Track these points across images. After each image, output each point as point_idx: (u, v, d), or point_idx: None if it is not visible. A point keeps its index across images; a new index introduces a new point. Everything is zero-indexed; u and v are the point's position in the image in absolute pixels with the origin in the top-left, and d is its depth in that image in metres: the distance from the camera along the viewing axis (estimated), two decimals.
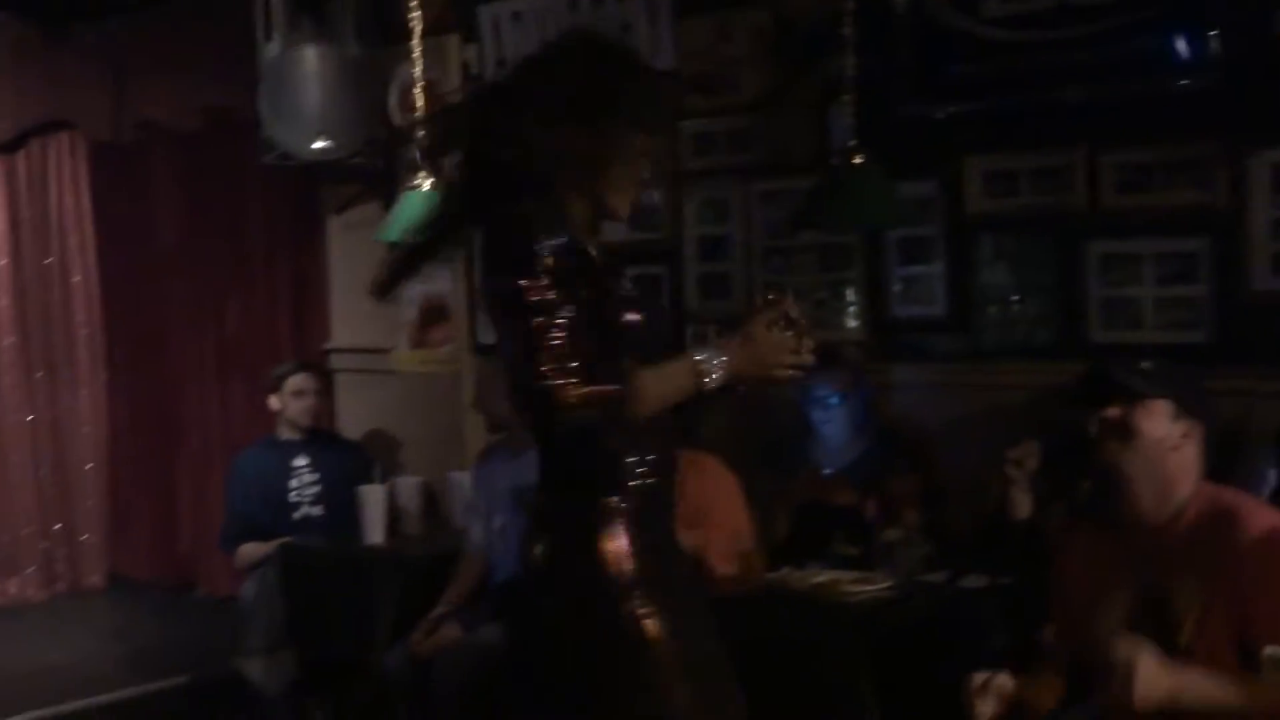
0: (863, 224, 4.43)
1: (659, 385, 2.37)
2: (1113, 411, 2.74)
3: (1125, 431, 2.73)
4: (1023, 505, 3.52)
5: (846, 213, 4.25)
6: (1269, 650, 2.37)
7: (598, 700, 2.42)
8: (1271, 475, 3.32)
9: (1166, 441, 2.73)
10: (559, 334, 2.26)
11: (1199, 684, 2.47)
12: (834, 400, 4.09)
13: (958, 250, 4.34)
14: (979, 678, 2.84)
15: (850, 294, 4.59)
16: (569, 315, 2.29)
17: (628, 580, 2.38)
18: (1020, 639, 3.27)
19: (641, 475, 2.44)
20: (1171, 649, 2.65)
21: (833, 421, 4.11)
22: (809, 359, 2.47)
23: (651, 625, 2.38)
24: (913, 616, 3.53)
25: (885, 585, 3.64)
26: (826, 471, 4.14)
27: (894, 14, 4.33)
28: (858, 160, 4.11)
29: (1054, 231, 4.15)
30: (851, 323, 4.58)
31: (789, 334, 2.46)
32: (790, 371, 2.46)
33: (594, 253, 2.45)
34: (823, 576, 3.75)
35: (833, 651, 3.42)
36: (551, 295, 2.28)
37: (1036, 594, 3.32)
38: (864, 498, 3.98)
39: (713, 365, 2.38)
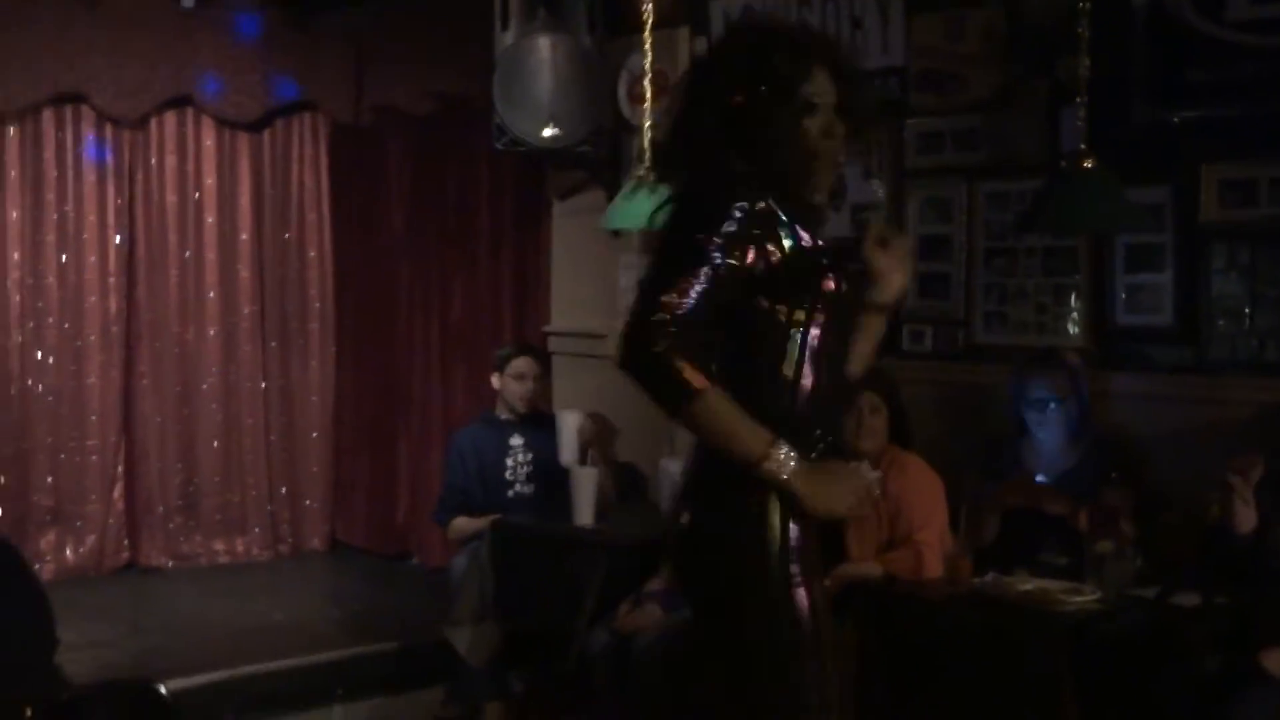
0: (1090, 229, 4.35)
1: (721, 422, 2.32)
2: None
3: None
4: (1245, 518, 3.43)
5: (1074, 217, 4.18)
6: None
7: (753, 665, 2.43)
8: None
9: None
10: (693, 291, 2.28)
11: None
12: (1052, 404, 4.04)
13: (1188, 259, 4.23)
14: None
15: (1074, 299, 4.50)
16: (710, 281, 2.30)
17: (789, 550, 2.39)
18: (1233, 661, 3.22)
19: (813, 447, 2.43)
20: None
21: (1048, 426, 4.06)
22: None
23: (803, 596, 2.39)
24: (1121, 632, 3.46)
25: (1094, 598, 3.60)
26: (1039, 478, 4.08)
27: (1132, 15, 4.24)
28: (1088, 164, 4.04)
29: None
30: (1074, 329, 4.49)
31: None
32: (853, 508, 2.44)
33: (786, 220, 2.45)
34: (1030, 584, 3.71)
35: (1035, 662, 3.40)
36: (719, 256, 2.32)
37: (1257, 614, 3.25)
38: (1076, 507, 3.90)
39: (781, 464, 2.31)
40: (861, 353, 2.65)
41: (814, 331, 2.42)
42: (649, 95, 4.86)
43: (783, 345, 2.43)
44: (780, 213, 2.42)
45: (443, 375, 6.87)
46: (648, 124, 4.90)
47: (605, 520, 5.03)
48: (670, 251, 2.42)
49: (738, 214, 2.36)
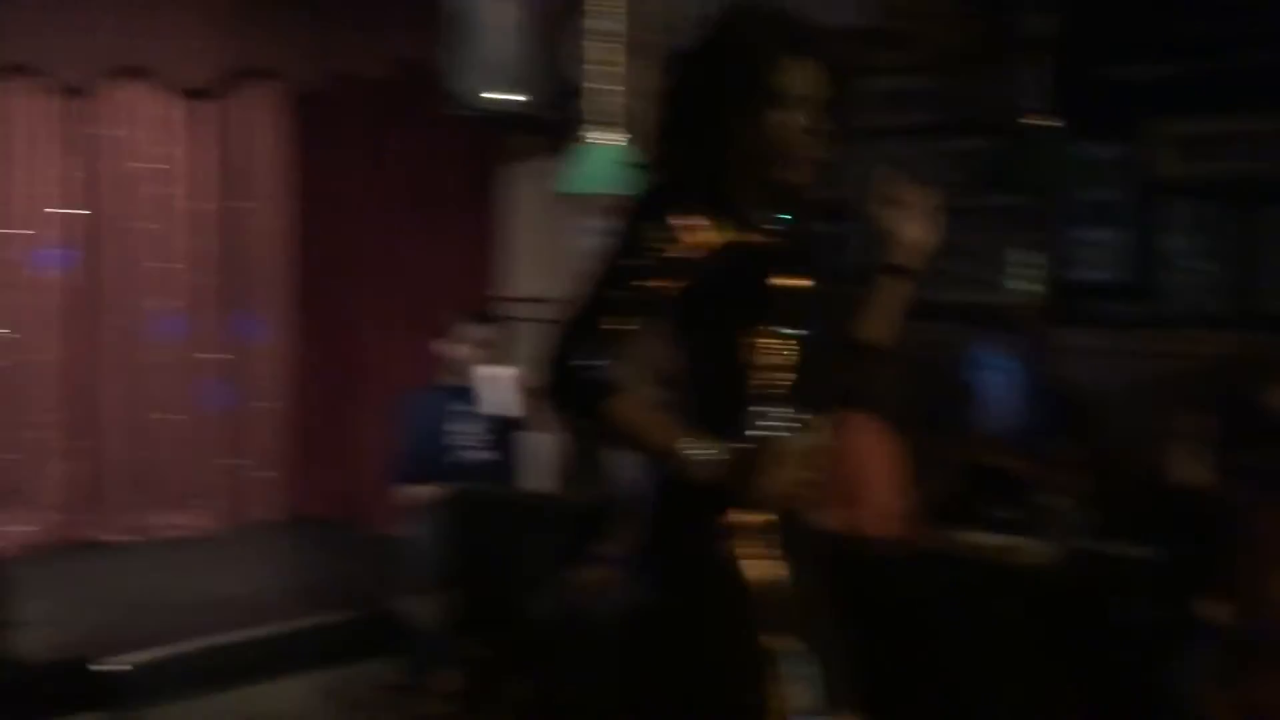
0: (1047, 186, 4.38)
1: (635, 421, 2.27)
2: None
3: None
4: (1195, 474, 3.46)
5: (1031, 175, 4.22)
6: None
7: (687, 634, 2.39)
8: None
9: None
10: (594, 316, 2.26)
11: None
12: (1004, 363, 4.07)
13: (1144, 215, 4.26)
14: None
15: (1029, 257, 4.52)
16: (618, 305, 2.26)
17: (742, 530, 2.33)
18: (1177, 611, 3.25)
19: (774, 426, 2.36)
20: None
21: (999, 385, 4.11)
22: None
23: (753, 568, 2.33)
24: (1072, 584, 3.53)
25: (1044, 551, 3.64)
26: (991, 435, 4.09)
27: None
28: (1046, 122, 4.07)
29: (1242, 199, 4.07)
30: (1029, 285, 4.51)
31: None
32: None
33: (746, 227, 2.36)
34: (982, 539, 3.76)
35: (987, 615, 3.43)
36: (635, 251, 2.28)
37: (1202, 567, 3.27)
38: (1028, 463, 3.94)
39: (699, 458, 2.25)
40: (876, 320, 2.57)
41: (739, 323, 2.35)
42: (604, 57, 4.83)
43: (723, 345, 2.37)
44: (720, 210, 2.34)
45: (399, 343, 6.82)
46: (603, 86, 4.86)
47: (561, 484, 5.02)
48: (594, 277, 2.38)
49: (671, 206, 2.31)
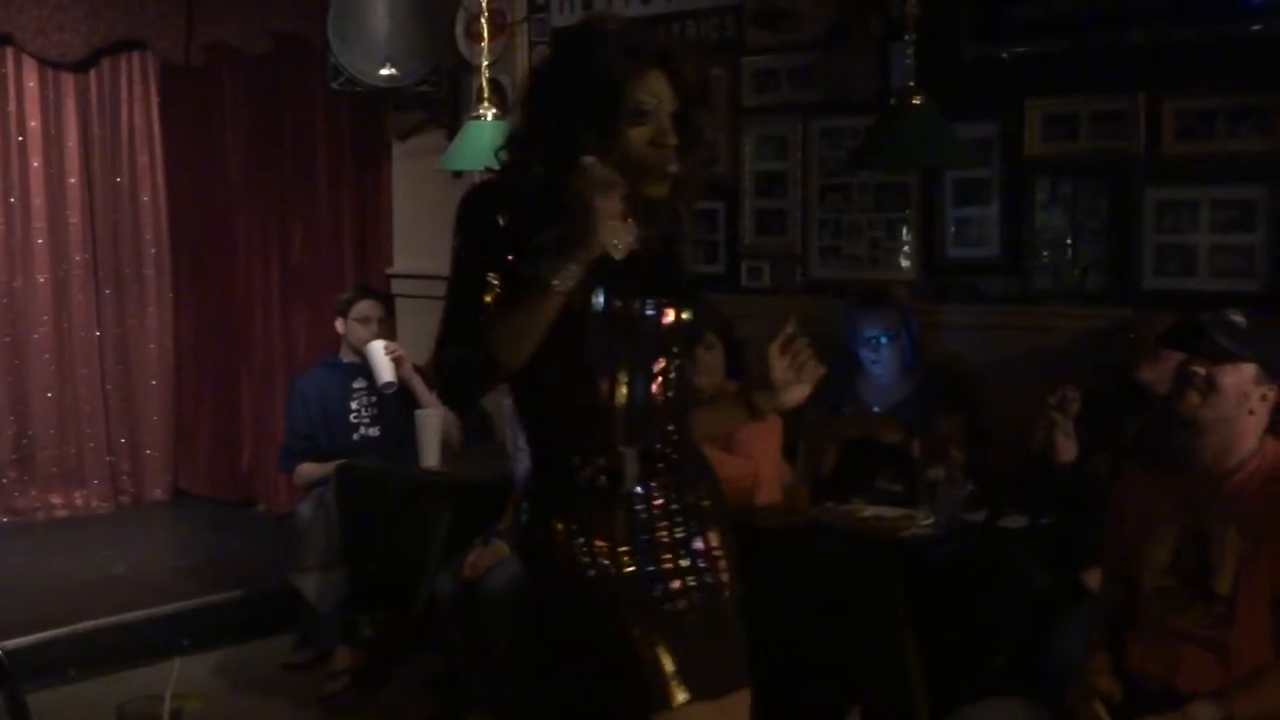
0: (920, 164, 4.42)
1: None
2: (1200, 368, 2.73)
3: (1209, 387, 2.72)
4: (1065, 449, 3.54)
5: (904, 153, 4.23)
6: None
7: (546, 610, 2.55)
8: None
9: (1246, 402, 2.73)
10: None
11: None
12: (883, 340, 4.12)
13: (1014, 193, 4.32)
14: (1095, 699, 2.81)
15: (905, 234, 4.58)
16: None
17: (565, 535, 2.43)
18: (1057, 581, 3.33)
19: (590, 478, 2.44)
20: (1210, 596, 2.71)
21: (880, 361, 4.14)
22: None
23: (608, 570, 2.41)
24: (953, 554, 3.54)
25: (927, 523, 3.66)
26: (873, 410, 4.16)
27: None
28: (917, 100, 4.09)
29: (1111, 177, 4.12)
30: (905, 263, 4.58)
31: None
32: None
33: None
34: (866, 512, 3.79)
35: (871, 586, 3.45)
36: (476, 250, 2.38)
37: (1076, 536, 3.36)
38: (909, 436, 3.98)
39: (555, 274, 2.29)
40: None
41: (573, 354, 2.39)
42: (486, 33, 4.82)
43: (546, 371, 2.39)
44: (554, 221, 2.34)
45: (284, 320, 6.78)
46: (485, 63, 4.86)
47: (451, 462, 5.02)
48: (450, 278, 2.47)
49: (499, 202, 2.39)
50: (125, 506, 7.22)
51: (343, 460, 5.14)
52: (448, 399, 2.54)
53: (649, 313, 2.40)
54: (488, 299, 2.34)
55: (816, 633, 3.56)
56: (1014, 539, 3.57)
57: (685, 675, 2.35)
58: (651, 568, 2.42)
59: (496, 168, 2.50)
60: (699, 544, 2.47)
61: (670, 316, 2.43)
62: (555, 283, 2.22)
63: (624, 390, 2.39)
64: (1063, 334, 4.15)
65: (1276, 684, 2.65)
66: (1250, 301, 3.67)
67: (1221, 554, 2.71)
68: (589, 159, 2.28)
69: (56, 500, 7.07)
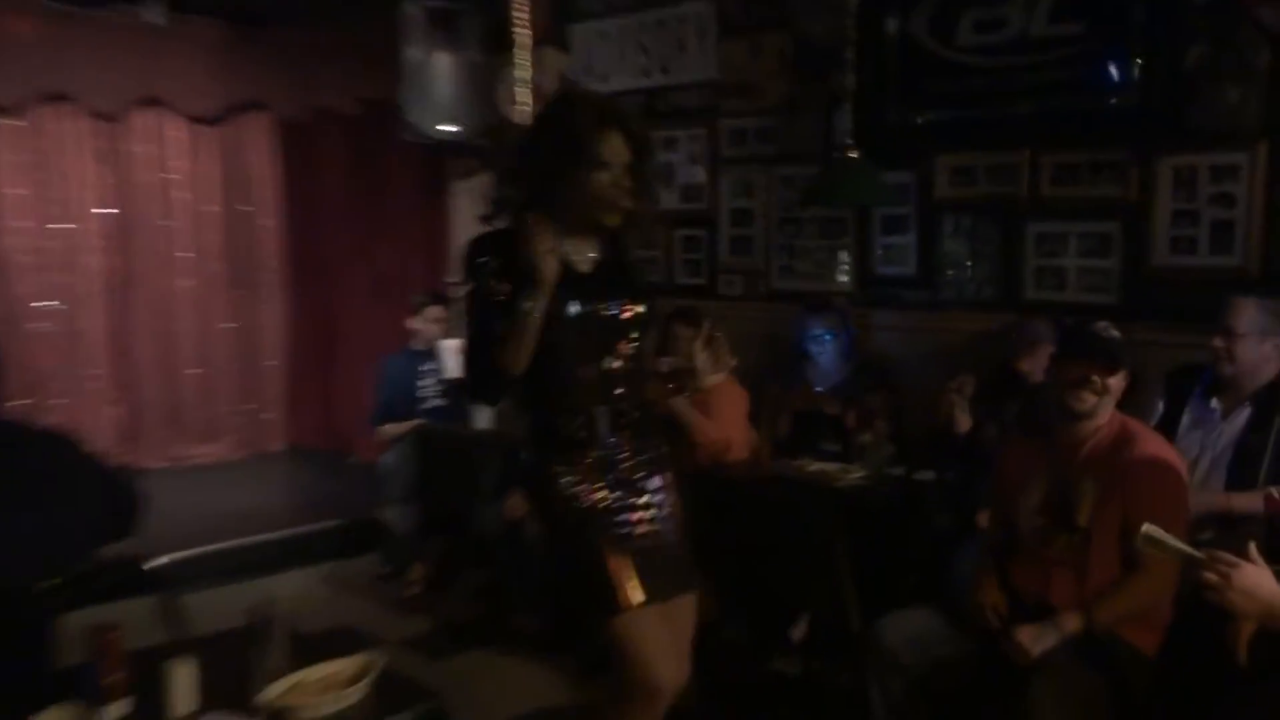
0: (855, 203, 4.42)
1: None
2: (1098, 376, 2.71)
3: (1104, 390, 2.72)
4: (962, 421, 3.55)
5: (843, 194, 4.24)
6: (1145, 528, 2.29)
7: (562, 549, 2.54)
8: (1160, 405, 3.31)
9: (1117, 395, 2.75)
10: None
11: None
12: (827, 336, 4.11)
13: (927, 226, 4.31)
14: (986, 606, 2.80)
15: (843, 256, 4.57)
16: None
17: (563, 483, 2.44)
18: (959, 519, 3.33)
19: (573, 436, 2.45)
20: (1072, 528, 2.72)
21: (825, 352, 4.13)
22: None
23: (587, 501, 2.44)
24: (879, 499, 3.56)
25: (859, 475, 3.69)
26: (818, 389, 4.15)
27: (886, 41, 4.27)
28: (853, 154, 4.09)
29: (1001, 214, 4.11)
30: (843, 278, 4.57)
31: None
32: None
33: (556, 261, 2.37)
34: (813, 466, 3.80)
35: (816, 523, 3.46)
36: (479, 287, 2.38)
37: (971, 487, 3.36)
38: (846, 409, 3.98)
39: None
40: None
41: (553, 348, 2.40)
42: (523, 100, 4.79)
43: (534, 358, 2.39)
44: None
45: (371, 316, 6.73)
46: (519, 121, 4.83)
47: (498, 425, 5.02)
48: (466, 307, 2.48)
49: (490, 246, 2.40)
50: (251, 456, 7.20)
51: (418, 421, 5.16)
52: (480, 401, 2.56)
53: (611, 311, 2.45)
54: (496, 332, 2.35)
55: (775, 559, 3.58)
56: (924, 488, 3.59)
57: (643, 583, 2.42)
58: (620, 500, 2.46)
59: (488, 211, 2.56)
60: (655, 482, 2.53)
61: (629, 312, 2.48)
62: (527, 306, 2.29)
63: (595, 368, 2.44)
64: (962, 334, 4.15)
65: (1126, 592, 2.65)
66: (1107, 311, 3.67)
67: (1080, 497, 2.71)
68: (530, 215, 2.33)
69: (198, 450, 7.05)
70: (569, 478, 2.43)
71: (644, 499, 2.50)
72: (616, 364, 2.47)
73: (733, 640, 3.91)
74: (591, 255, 2.47)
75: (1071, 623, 2.62)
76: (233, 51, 6.63)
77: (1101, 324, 2.85)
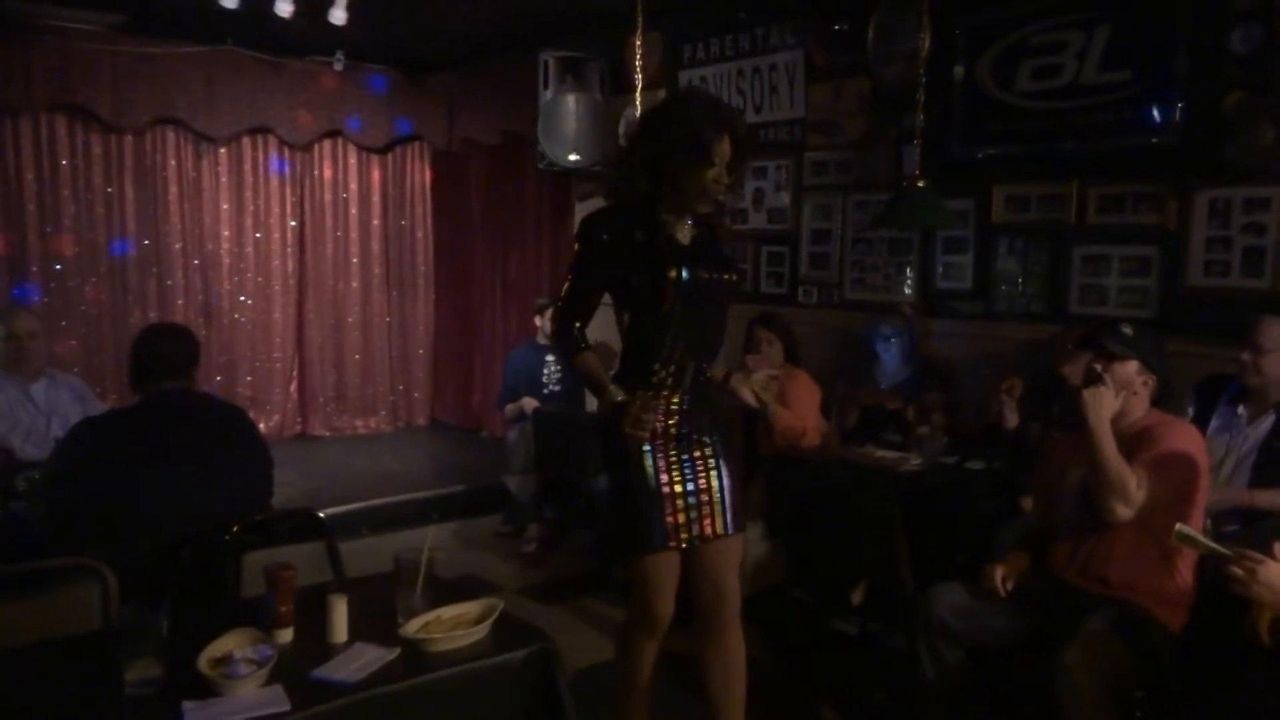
0: (920, 226, 4.33)
1: (587, 368, 2.42)
2: (1099, 365, 2.64)
3: (1104, 378, 2.62)
4: (1011, 419, 3.46)
5: (910, 218, 4.15)
6: (1178, 527, 2.18)
7: (615, 501, 2.49)
8: (1190, 411, 3.18)
9: (1131, 386, 2.64)
10: (572, 285, 2.42)
11: None
12: (893, 338, 4.05)
13: (983, 246, 4.20)
14: (999, 568, 2.74)
15: (909, 271, 4.48)
16: (582, 275, 2.39)
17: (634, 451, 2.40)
18: (1003, 504, 3.25)
19: (662, 379, 2.40)
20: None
21: (890, 352, 4.06)
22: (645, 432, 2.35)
23: (644, 466, 2.39)
24: (933, 484, 3.49)
25: (916, 463, 3.62)
26: (883, 386, 4.09)
27: (952, 85, 4.18)
28: (920, 183, 4.01)
29: (1051, 237, 3.98)
30: (907, 290, 4.48)
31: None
32: (628, 432, 2.34)
33: (654, 236, 2.37)
34: (876, 454, 3.73)
35: (878, 503, 3.41)
36: (587, 255, 2.38)
37: (1015, 476, 3.27)
38: (906, 405, 3.92)
39: (611, 399, 2.38)
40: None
41: (658, 307, 2.36)
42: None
43: (636, 315, 2.41)
44: (639, 224, 2.37)
45: (504, 313, 6.85)
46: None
47: None
48: (571, 260, 2.46)
49: (603, 228, 2.36)
50: (401, 428, 7.36)
51: (537, 404, 5.21)
52: (559, 341, 2.50)
53: (712, 276, 2.44)
54: (583, 299, 2.40)
55: (840, 532, 3.53)
56: (973, 476, 3.51)
57: (676, 529, 2.42)
58: (682, 444, 2.42)
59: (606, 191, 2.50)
60: (714, 435, 2.49)
61: (726, 277, 2.47)
62: (606, 397, 2.37)
63: (693, 326, 2.41)
64: (1012, 342, 4.03)
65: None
66: (1146, 324, 3.51)
67: None
68: (638, 400, 2.31)
69: (359, 422, 7.24)
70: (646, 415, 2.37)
71: (704, 449, 2.45)
72: (711, 323, 2.46)
73: (800, 601, 3.87)
74: (690, 228, 2.44)
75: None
76: (397, 93, 6.80)
77: (1120, 324, 2.76)
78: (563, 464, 4.88)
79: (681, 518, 2.43)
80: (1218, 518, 2.79)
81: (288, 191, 6.91)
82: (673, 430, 2.41)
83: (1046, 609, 2.56)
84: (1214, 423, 3.08)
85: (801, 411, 3.90)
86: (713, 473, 2.48)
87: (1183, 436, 2.62)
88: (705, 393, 2.50)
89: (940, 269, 4.36)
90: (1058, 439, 2.90)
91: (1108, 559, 2.58)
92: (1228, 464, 2.98)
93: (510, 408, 5.35)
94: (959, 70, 4.12)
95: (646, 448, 2.38)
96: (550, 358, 5.41)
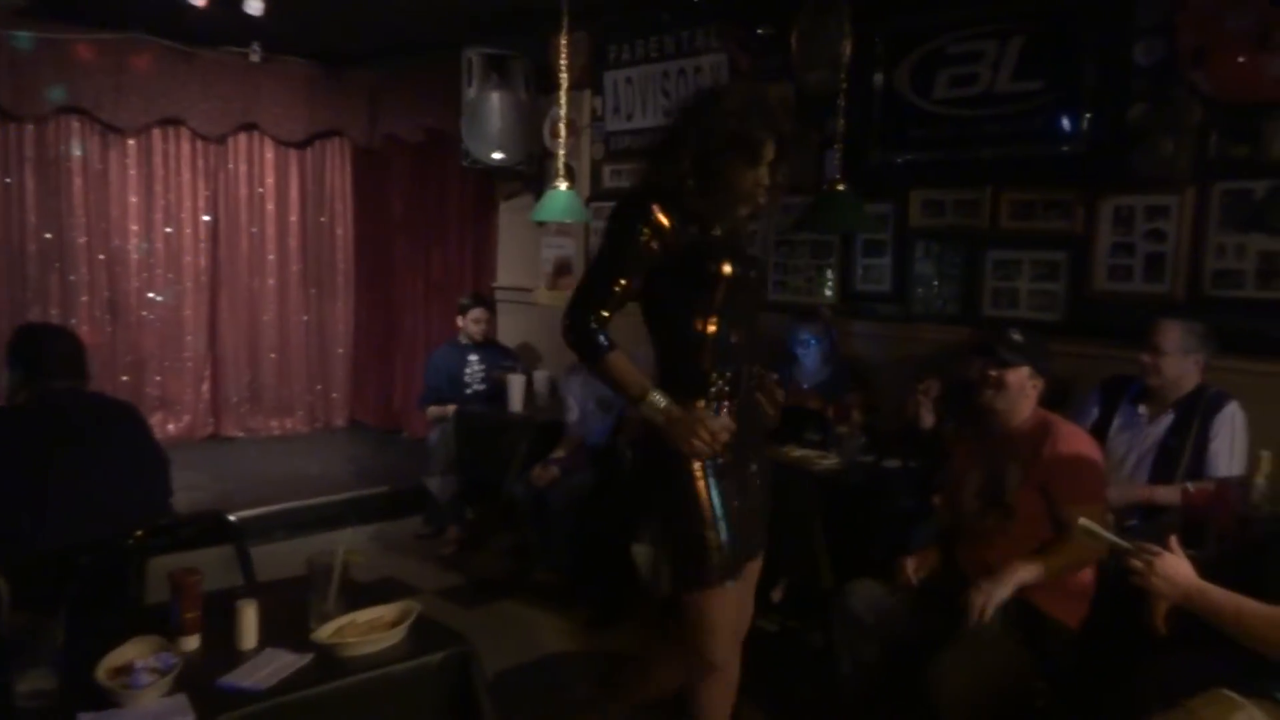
0: (841, 230, 4.39)
1: (619, 372, 2.14)
2: (993, 371, 2.76)
3: (999, 384, 2.76)
4: (926, 418, 3.54)
5: (831, 222, 4.21)
6: (1081, 521, 2.26)
7: (667, 527, 2.28)
8: (1094, 410, 3.30)
9: (1024, 391, 2.76)
10: (607, 281, 2.13)
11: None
12: (812, 341, 4.10)
13: (901, 250, 4.29)
14: (910, 560, 2.82)
15: (829, 274, 4.55)
16: (620, 273, 2.12)
17: (693, 469, 2.20)
18: (918, 500, 3.31)
19: (720, 388, 2.24)
20: (1002, 505, 2.72)
21: (810, 354, 4.11)
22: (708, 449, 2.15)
23: (702, 486, 2.20)
24: (851, 483, 3.54)
25: (835, 462, 3.66)
26: (804, 386, 4.14)
27: (873, 92, 4.27)
28: (841, 187, 4.08)
29: (965, 242, 4.08)
30: (828, 292, 4.55)
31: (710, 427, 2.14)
32: (694, 447, 2.14)
33: (698, 232, 2.18)
34: (796, 453, 3.77)
35: (798, 501, 3.44)
36: (627, 240, 2.13)
37: (930, 474, 3.34)
38: (826, 405, 3.97)
39: (654, 408, 2.14)
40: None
41: (710, 306, 2.18)
42: (562, 133, 4.80)
43: (678, 314, 2.21)
44: (680, 217, 2.14)
45: (425, 313, 6.76)
46: (561, 153, 4.84)
47: (529, 410, 5.01)
48: (602, 247, 2.19)
49: (646, 216, 2.13)
50: (318, 429, 7.24)
51: (458, 407, 5.16)
52: (566, 341, 2.19)
53: (750, 273, 2.27)
54: (616, 288, 2.12)
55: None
56: (890, 474, 3.57)
57: (734, 559, 2.19)
58: (740, 456, 2.25)
59: (649, 173, 2.24)
60: (757, 449, 2.35)
61: (757, 275, 2.31)
62: (649, 406, 2.13)
63: (743, 325, 2.24)
64: (928, 343, 4.12)
65: (1055, 554, 2.62)
66: (1052, 328, 3.67)
67: (1007, 480, 2.73)
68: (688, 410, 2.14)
69: (274, 423, 7.09)
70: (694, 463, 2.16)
71: (752, 464, 2.29)
72: (755, 324, 2.28)
73: None
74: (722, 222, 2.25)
75: (1025, 572, 2.55)
76: (318, 87, 6.68)
77: (1009, 330, 2.87)
78: (484, 465, 4.85)
79: (740, 545, 2.23)
80: (1120, 513, 2.90)
81: (201, 185, 6.73)
82: (730, 457, 2.21)
83: (951, 605, 2.63)
84: (1116, 421, 3.20)
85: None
86: (759, 489, 2.32)
87: (1078, 438, 2.73)
88: (753, 401, 2.32)
89: (860, 271, 4.43)
90: (963, 438, 2.99)
91: (1008, 557, 2.67)
92: (1129, 461, 3.10)
93: (432, 409, 5.29)
94: (879, 77, 4.21)
95: (699, 465, 2.17)
96: (473, 357, 5.37)
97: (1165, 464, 3.03)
